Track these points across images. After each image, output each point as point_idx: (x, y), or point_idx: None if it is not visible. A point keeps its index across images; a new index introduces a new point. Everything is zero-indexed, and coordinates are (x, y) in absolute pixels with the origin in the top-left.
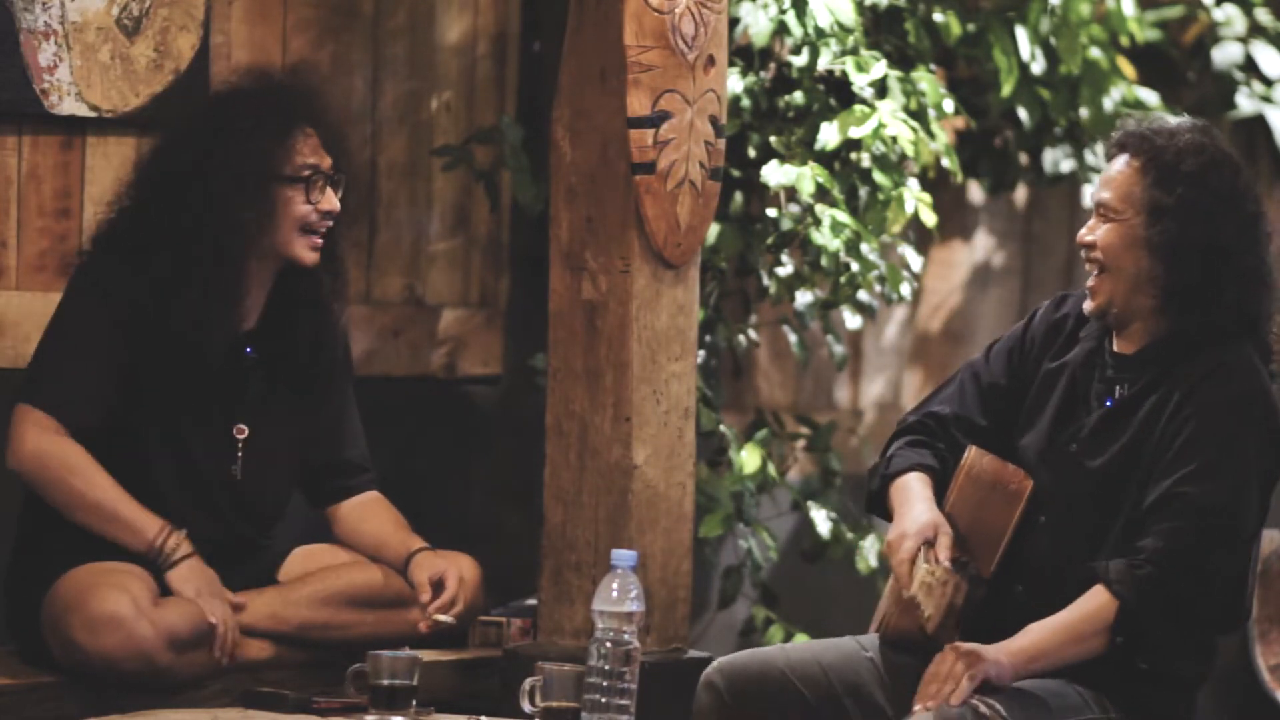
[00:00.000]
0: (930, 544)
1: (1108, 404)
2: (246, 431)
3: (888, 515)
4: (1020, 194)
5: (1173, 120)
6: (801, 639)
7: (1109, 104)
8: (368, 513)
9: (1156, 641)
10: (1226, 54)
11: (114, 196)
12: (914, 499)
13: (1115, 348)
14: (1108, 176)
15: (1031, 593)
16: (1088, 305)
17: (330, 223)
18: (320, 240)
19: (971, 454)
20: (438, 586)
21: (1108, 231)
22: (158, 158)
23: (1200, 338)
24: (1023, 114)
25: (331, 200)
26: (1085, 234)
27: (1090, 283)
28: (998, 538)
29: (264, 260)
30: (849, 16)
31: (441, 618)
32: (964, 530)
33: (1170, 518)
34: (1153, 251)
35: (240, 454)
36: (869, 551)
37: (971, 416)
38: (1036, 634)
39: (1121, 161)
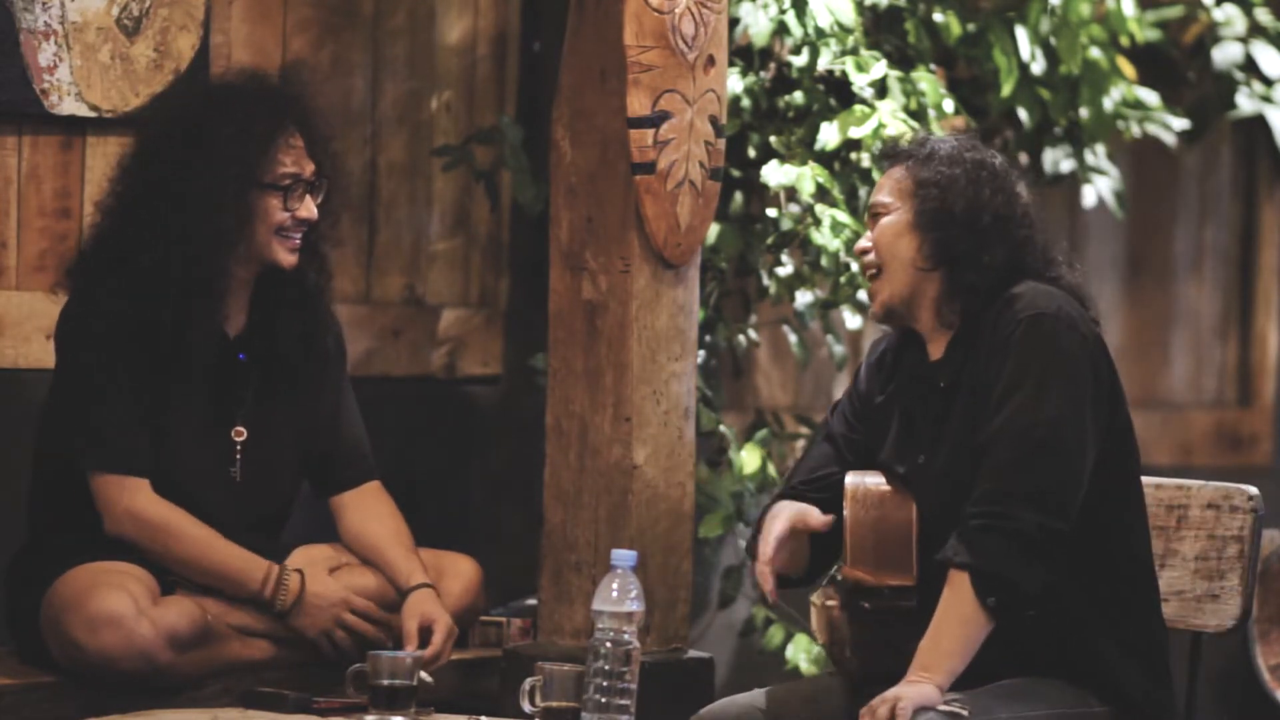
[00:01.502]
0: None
1: (935, 405)
2: (245, 434)
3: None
4: None
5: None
6: (801, 639)
7: (1109, 104)
8: (371, 515)
9: (1019, 579)
10: (1226, 54)
11: (100, 196)
12: (770, 520)
13: (931, 358)
14: (879, 185)
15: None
16: (873, 309)
17: (305, 228)
18: (298, 242)
19: (850, 479)
20: (425, 633)
21: (880, 230)
22: (141, 156)
23: (992, 309)
24: (1023, 114)
25: (309, 208)
26: (861, 242)
27: (870, 288)
28: (907, 540)
29: (244, 263)
30: (849, 16)
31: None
32: (875, 548)
33: (983, 463)
34: (922, 228)
35: (239, 457)
36: None
37: (828, 468)
38: (931, 643)
39: (889, 170)
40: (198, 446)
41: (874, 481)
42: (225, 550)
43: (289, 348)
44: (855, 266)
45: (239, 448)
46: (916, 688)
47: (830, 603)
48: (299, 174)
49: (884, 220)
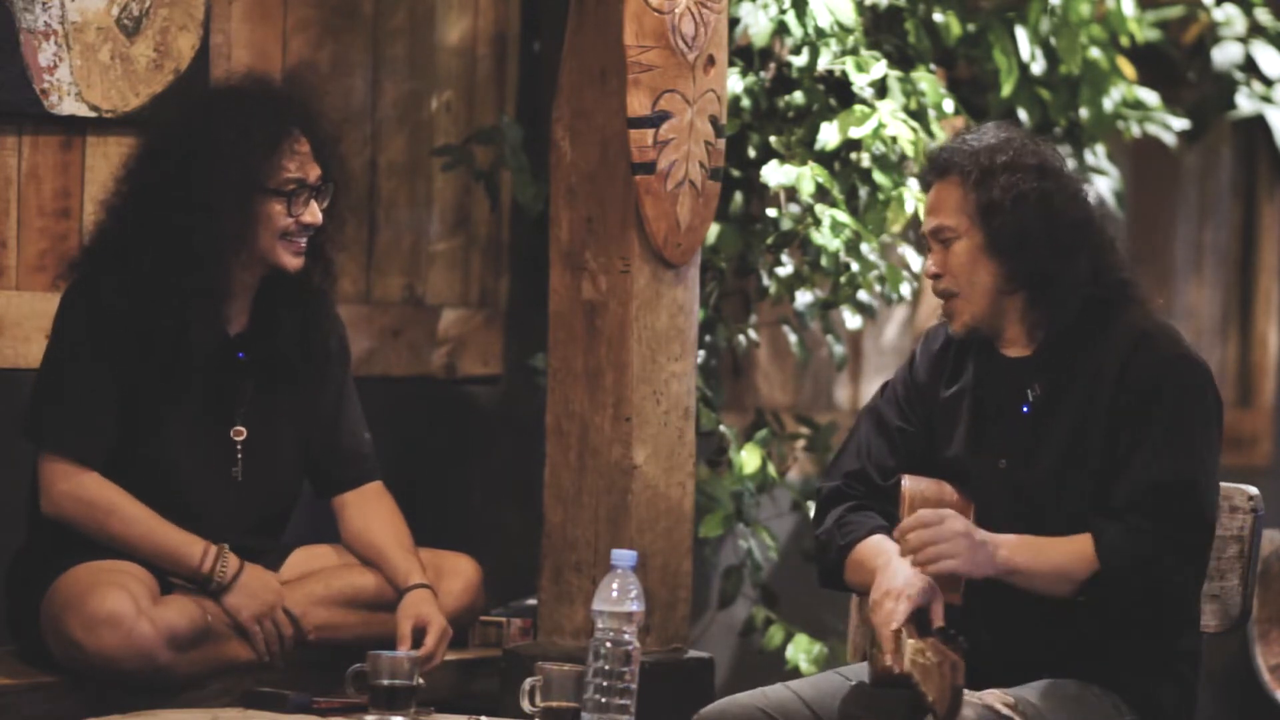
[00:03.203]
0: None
1: (1024, 410)
2: (245, 433)
3: (846, 586)
4: None
5: (971, 132)
6: (801, 639)
7: (1109, 104)
8: (372, 516)
9: (1117, 613)
10: (1226, 54)
11: (105, 195)
12: (896, 558)
13: (1008, 354)
14: (932, 204)
15: (988, 610)
16: (953, 328)
17: (310, 233)
18: (303, 245)
19: (907, 484)
20: (419, 634)
21: (952, 256)
22: (146, 157)
23: (1084, 316)
24: (1023, 114)
25: (314, 213)
26: (930, 267)
27: (946, 309)
28: None
29: (248, 267)
30: (849, 16)
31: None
32: None
33: (1154, 501)
34: (998, 252)
35: (240, 456)
36: None
37: (884, 462)
38: (1028, 547)
39: (939, 186)
40: (198, 446)
41: (932, 491)
42: (164, 529)
43: (289, 347)
44: (855, 266)
45: (239, 447)
46: (977, 549)
47: (939, 656)
48: (303, 179)
49: (955, 245)
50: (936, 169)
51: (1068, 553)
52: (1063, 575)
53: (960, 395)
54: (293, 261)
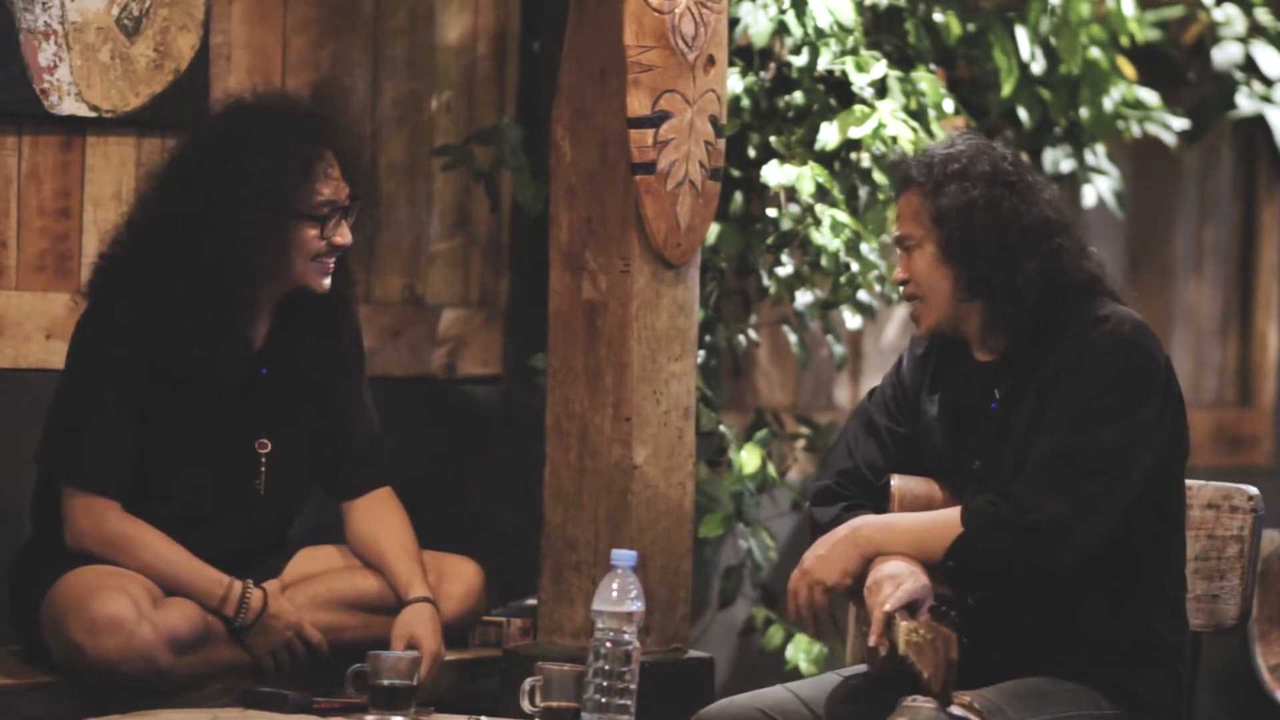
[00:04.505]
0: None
1: (992, 408)
2: (269, 446)
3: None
4: None
5: (938, 142)
6: (801, 639)
7: (1109, 104)
8: (379, 521)
9: (979, 582)
10: (1226, 54)
11: (126, 211)
12: (891, 567)
13: (979, 359)
14: (899, 214)
15: (983, 603)
16: (919, 331)
17: (340, 253)
18: (331, 265)
19: (896, 483)
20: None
21: (913, 261)
22: (174, 178)
23: (1045, 317)
24: (1023, 114)
25: (345, 234)
26: (898, 273)
27: (913, 313)
28: None
29: (276, 289)
30: (849, 16)
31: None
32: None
33: (1044, 472)
34: (952, 260)
35: (264, 468)
36: None
37: (875, 462)
38: (905, 520)
39: (904, 195)
40: (223, 461)
41: (921, 489)
42: (184, 566)
43: (309, 360)
44: (855, 266)
45: (263, 460)
46: (913, 571)
47: (932, 633)
48: (335, 201)
49: (915, 253)
50: (903, 181)
51: (934, 518)
52: (928, 541)
53: (939, 400)
54: (323, 283)
